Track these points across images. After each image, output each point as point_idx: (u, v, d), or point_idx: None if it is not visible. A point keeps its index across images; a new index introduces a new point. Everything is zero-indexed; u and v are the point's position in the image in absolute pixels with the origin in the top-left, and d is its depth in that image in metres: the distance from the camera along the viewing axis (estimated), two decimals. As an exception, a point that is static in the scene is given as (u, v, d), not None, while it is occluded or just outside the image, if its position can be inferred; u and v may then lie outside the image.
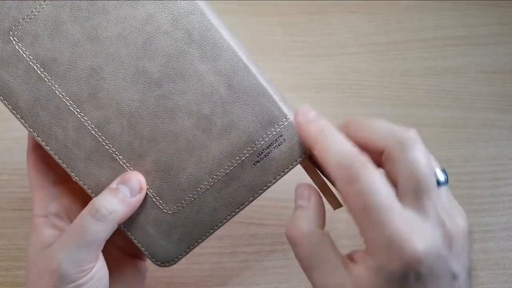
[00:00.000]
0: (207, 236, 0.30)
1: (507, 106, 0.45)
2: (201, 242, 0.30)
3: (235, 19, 0.48)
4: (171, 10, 0.29)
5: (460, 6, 0.49)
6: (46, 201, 0.30)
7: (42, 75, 0.29)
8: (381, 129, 0.26)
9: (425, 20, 0.49)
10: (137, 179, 0.29)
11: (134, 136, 0.29)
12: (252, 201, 0.30)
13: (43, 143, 0.29)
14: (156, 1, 0.29)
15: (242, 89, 0.29)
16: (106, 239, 0.28)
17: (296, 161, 0.30)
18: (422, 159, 0.25)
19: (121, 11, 0.29)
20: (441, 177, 0.26)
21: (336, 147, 0.25)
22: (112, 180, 0.29)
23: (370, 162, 0.24)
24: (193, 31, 0.29)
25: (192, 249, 0.30)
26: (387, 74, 0.46)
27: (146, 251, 0.30)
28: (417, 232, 0.23)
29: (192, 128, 0.29)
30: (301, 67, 0.46)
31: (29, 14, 0.28)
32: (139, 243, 0.30)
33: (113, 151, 0.29)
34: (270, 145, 0.30)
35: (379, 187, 0.23)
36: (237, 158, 0.30)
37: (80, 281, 0.27)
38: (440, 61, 0.47)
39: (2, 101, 0.29)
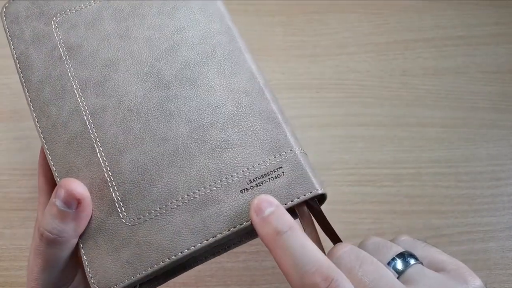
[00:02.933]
0: (160, 267, 0.25)
1: (507, 106, 0.45)
2: (151, 272, 0.25)
3: (235, 19, 0.48)
4: (204, 28, 0.30)
5: (460, 6, 0.49)
6: None
7: (64, 57, 0.30)
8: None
9: (425, 20, 0.49)
10: (72, 190, 0.25)
11: (122, 129, 0.28)
12: (225, 235, 0.25)
13: (35, 119, 0.29)
14: (193, 17, 0.30)
15: (251, 110, 0.28)
16: (73, 255, 0.26)
17: (292, 201, 0.25)
18: None
19: (157, 19, 0.30)
20: (399, 266, 0.24)
21: (297, 258, 0.22)
22: (82, 171, 0.27)
23: (342, 276, 0.21)
24: (218, 48, 0.29)
25: (138, 278, 0.25)
26: (387, 74, 0.46)
27: (88, 265, 0.25)
28: None
29: (185, 136, 0.27)
30: (301, 67, 0.46)
31: (76, 7, 0.31)
32: (84, 255, 0.25)
33: (95, 140, 0.27)
34: (265, 175, 0.26)
35: None
36: (224, 179, 0.26)
37: None
38: (440, 61, 0.47)
39: (18, 72, 0.30)
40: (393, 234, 0.40)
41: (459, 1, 0.50)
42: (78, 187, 0.25)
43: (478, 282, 0.23)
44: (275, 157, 0.26)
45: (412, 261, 0.24)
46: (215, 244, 0.25)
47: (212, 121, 0.27)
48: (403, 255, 0.24)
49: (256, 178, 0.26)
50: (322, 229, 0.27)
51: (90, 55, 0.30)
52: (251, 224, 0.25)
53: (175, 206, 0.26)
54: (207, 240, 0.25)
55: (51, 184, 0.29)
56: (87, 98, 0.29)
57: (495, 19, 0.49)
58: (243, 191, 0.26)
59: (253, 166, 0.26)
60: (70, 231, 0.25)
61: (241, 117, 0.28)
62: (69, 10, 0.31)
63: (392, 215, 0.41)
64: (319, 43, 0.47)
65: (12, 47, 0.31)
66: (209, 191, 0.26)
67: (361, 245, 0.26)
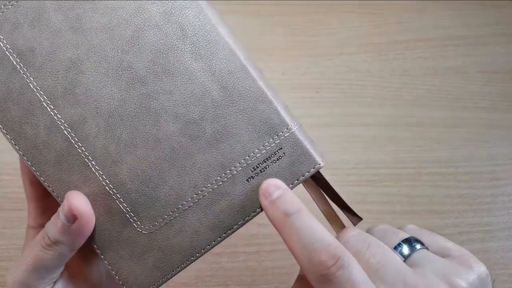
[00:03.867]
0: (187, 264, 0.26)
1: (507, 106, 0.45)
2: (180, 270, 0.26)
3: (235, 19, 0.48)
4: (164, 2, 0.26)
5: (460, 6, 0.49)
6: (37, 213, 0.29)
7: (18, 66, 0.26)
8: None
9: (425, 20, 0.49)
10: (69, 205, 0.24)
11: (110, 139, 0.26)
12: (242, 225, 0.26)
13: (12, 142, 0.26)
14: None
15: (238, 92, 0.26)
16: (59, 266, 0.26)
17: (298, 179, 0.26)
18: None
19: (109, 0, 0.26)
20: (406, 251, 0.24)
21: (305, 238, 0.22)
22: (81, 188, 0.26)
23: (349, 256, 0.22)
24: (187, 26, 0.26)
25: (169, 278, 0.26)
26: (387, 74, 0.46)
27: (116, 275, 0.26)
28: None
29: (178, 134, 0.26)
30: (301, 67, 0.46)
31: (11, 1, 0.26)
32: (109, 265, 0.26)
33: (85, 155, 0.26)
34: (267, 159, 0.26)
35: None
36: (228, 171, 0.26)
37: None
38: (440, 61, 0.47)
39: None
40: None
41: (459, 1, 0.50)
42: (78, 203, 0.25)
43: (483, 268, 0.24)
44: (273, 139, 0.26)
45: (418, 246, 0.24)
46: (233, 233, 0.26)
47: (201, 113, 0.26)
48: (409, 241, 0.24)
49: (259, 164, 0.26)
50: (331, 198, 0.28)
51: (47, 59, 0.26)
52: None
53: (187, 207, 0.26)
54: (225, 233, 0.26)
55: (39, 189, 0.28)
56: (61, 110, 0.26)
57: (495, 19, 0.49)
58: (249, 179, 0.26)
59: (253, 153, 0.26)
60: (64, 243, 0.25)
61: (230, 102, 0.26)
62: (4, 6, 0.26)
63: (393, 215, 0.41)
64: (319, 43, 0.47)
65: None
66: (216, 186, 0.26)
67: (368, 231, 0.26)
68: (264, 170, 0.26)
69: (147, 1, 0.26)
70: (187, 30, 0.26)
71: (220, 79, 0.26)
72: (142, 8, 0.26)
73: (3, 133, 0.26)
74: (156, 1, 0.26)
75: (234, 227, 0.26)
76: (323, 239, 0.22)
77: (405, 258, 0.24)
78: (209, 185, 0.26)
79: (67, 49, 0.26)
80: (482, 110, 0.45)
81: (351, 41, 0.48)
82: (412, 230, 0.27)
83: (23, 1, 0.26)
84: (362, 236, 0.24)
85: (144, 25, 0.26)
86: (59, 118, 0.26)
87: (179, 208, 0.26)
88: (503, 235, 0.40)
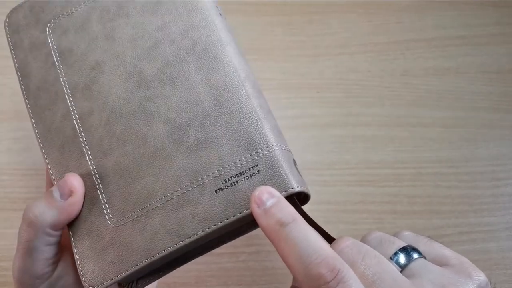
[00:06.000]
0: (141, 266, 0.25)
1: (507, 106, 0.45)
2: (133, 271, 0.25)
3: (235, 19, 0.48)
4: (185, 22, 0.29)
5: (460, 6, 0.49)
6: None
7: (56, 62, 0.31)
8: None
9: (425, 20, 0.49)
10: (69, 181, 0.26)
11: (107, 132, 0.28)
12: (200, 236, 0.25)
13: (33, 125, 0.30)
14: (175, 13, 0.30)
15: (229, 106, 0.27)
16: (49, 244, 0.26)
17: None
18: None
19: (141, 17, 0.30)
20: (402, 260, 0.23)
21: (302, 249, 0.21)
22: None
23: (348, 269, 0.21)
24: (198, 42, 0.29)
25: (122, 276, 0.26)
26: (387, 74, 0.46)
27: (79, 264, 0.26)
28: None
29: (164, 136, 0.27)
30: (301, 67, 0.46)
31: (68, 12, 0.31)
32: (76, 254, 0.27)
33: (84, 144, 0.28)
34: (240, 174, 0.25)
35: None
36: (199, 179, 0.26)
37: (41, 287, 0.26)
38: (440, 61, 0.47)
39: (19, 80, 0.31)
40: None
41: (459, 1, 0.50)
42: (75, 181, 0.26)
43: (482, 277, 0.23)
44: (251, 155, 0.26)
45: (415, 255, 0.23)
46: (192, 245, 0.26)
47: (190, 120, 0.27)
48: (406, 249, 0.24)
49: (231, 177, 0.25)
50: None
51: (79, 59, 0.30)
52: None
53: (153, 207, 0.26)
54: (182, 242, 0.25)
55: None
56: (77, 102, 0.29)
57: (496, 19, 0.49)
58: (218, 191, 0.25)
59: (228, 165, 0.26)
60: (47, 218, 0.25)
61: (218, 114, 0.27)
62: (62, 15, 0.31)
63: (393, 215, 0.41)
64: (319, 43, 0.47)
65: (14, 56, 0.32)
66: (185, 191, 0.26)
67: (363, 240, 0.25)
68: (234, 184, 0.25)
69: (171, 20, 0.30)
70: (197, 46, 0.29)
71: (215, 92, 0.27)
72: (165, 25, 0.30)
73: (30, 116, 0.30)
74: (179, 20, 0.29)
75: (192, 236, 0.25)
76: (321, 250, 0.21)
77: (402, 268, 0.23)
78: (178, 189, 0.26)
79: (96, 53, 0.30)
80: (482, 110, 0.45)
81: (351, 41, 0.48)
82: (408, 237, 0.26)
83: (77, 13, 0.31)
84: (356, 246, 0.23)
85: (163, 38, 0.29)
86: (74, 109, 0.29)
87: (147, 206, 0.26)
88: (504, 235, 0.40)
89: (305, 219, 0.25)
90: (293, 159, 0.27)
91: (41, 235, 0.26)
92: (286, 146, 0.27)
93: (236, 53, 0.29)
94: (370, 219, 0.41)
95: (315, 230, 0.23)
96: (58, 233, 0.26)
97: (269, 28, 0.48)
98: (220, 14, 0.31)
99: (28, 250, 0.26)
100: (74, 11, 0.31)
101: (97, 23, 0.31)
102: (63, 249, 0.28)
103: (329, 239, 0.25)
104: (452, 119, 0.45)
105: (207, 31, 0.29)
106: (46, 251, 0.26)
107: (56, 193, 0.26)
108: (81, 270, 0.26)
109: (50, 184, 0.30)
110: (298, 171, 0.27)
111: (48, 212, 0.25)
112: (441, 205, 0.41)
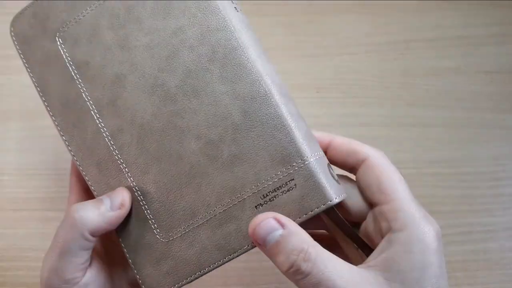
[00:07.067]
0: (195, 278, 0.27)
1: (507, 106, 0.45)
2: (189, 282, 0.27)
3: (235, 19, 0.48)
4: (201, 25, 0.28)
5: (460, 6, 0.49)
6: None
7: (75, 76, 0.29)
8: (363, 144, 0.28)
9: (425, 20, 0.49)
10: (121, 194, 0.27)
11: (140, 150, 0.28)
12: (247, 250, 0.26)
13: (66, 143, 0.29)
14: (189, 14, 0.28)
15: (258, 118, 0.26)
16: (84, 249, 0.27)
17: (306, 214, 0.25)
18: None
19: (154, 22, 0.28)
20: None
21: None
22: None
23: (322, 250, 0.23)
24: (218, 48, 0.27)
25: (180, 286, 0.27)
26: (387, 74, 0.46)
27: (137, 273, 0.28)
28: None
29: (198, 152, 0.27)
30: (301, 67, 0.46)
31: (75, 18, 0.30)
32: (132, 264, 0.28)
33: (121, 162, 0.28)
34: (277, 188, 0.25)
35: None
36: (238, 195, 0.26)
37: None
38: (440, 61, 0.47)
39: (39, 95, 0.30)
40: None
41: (459, 1, 0.50)
42: (127, 196, 0.27)
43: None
44: (286, 169, 0.25)
45: None
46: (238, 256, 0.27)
47: (221, 135, 0.27)
48: None
49: (269, 192, 0.25)
50: (346, 235, 0.27)
51: (98, 73, 0.29)
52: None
53: (199, 224, 0.27)
54: (230, 255, 0.26)
55: (82, 183, 0.31)
56: (104, 120, 0.29)
57: (496, 19, 0.49)
58: (258, 206, 0.26)
59: (265, 180, 0.26)
60: (92, 223, 0.26)
61: (249, 127, 0.26)
62: (69, 22, 0.30)
63: (392, 215, 0.41)
64: (319, 43, 0.47)
65: (29, 71, 0.31)
66: (226, 208, 0.26)
67: None
68: (273, 200, 0.25)
69: (186, 23, 0.28)
70: (218, 53, 0.27)
71: (242, 103, 0.26)
72: (180, 29, 0.28)
73: (60, 133, 0.30)
74: (195, 23, 0.28)
75: (239, 251, 0.26)
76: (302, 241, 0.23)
77: None
78: (219, 205, 0.26)
79: (114, 65, 0.29)
80: (482, 110, 0.45)
81: (351, 41, 0.48)
82: None
83: (84, 18, 0.29)
84: None
85: (180, 45, 0.28)
86: (103, 126, 0.29)
87: (192, 223, 0.27)
88: (504, 235, 0.40)
89: (343, 225, 0.26)
90: (327, 163, 0.27)
91: (79, 238, 0.26)
92: (319, 152, 0.27)
93: (258, 55, 0.27)
94: (370, 219, 0.40)
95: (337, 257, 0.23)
96: (94, 239, 0.27)
97: (269, 28, 0.48)
98: (235, 8, 0.29)
99: (63, 251, 0.26)
100: (81, 17, 0.29)
101: (108, 31, 0.29)
102: (93, 258, 0.29)
103: (365, 247, 0.26)
104: (452, 119, 0.45)
105: (225, 34, 0.27)
106: (80, 255, 0.27)
107: (107, 203, 0.27)
108: (139, 279, 0.28)
109: (79, 193, 0.30)
110: (333, 177, 0.27)
111: (93, 218, 0.26)
112: (441, 205, 0.41)
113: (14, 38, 0.31)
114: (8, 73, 0.44)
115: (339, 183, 0.27)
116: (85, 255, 0.27)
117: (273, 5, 0.49)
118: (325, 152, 0.28)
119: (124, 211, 0.27)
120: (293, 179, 0.25)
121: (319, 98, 0.45)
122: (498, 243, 0.40)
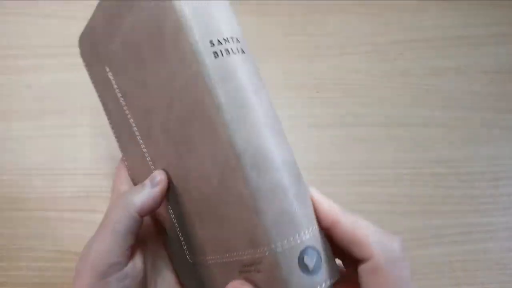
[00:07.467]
0: None
1: (507, 106, 0.45)
2: None
3: (235, 19, 0.48)
4: (184, 75, 0.24)
5: (460, 6, 0.49)
6: None
7: (123, 103, 0.31)
8: (371, 234, 0.25)
9: (425, 20, 0.49)
10: (158, 174, 0.29)
11: (171, 184, 0.29)
12: None
13: (123, 158, 0.33)
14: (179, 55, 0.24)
15: (230, 192, 0.23)
16: (132, 231, 0.28)
17: None
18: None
19: (158, 81, 0.26)
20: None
21: None
22: (160, 209, 0.31)
23: None
24: (197, 106, 0.24)
25: None
26: (387, 74, 0.46)
27: (177, 277, 0.31)
28: None
29: (200, 200, 0.27)
30: (301, 67, 0.46)
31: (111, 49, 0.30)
32: (174, 268, 0.32)
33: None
34: (251, 265, 0.24)
35: None
36: (229, 254, 0.25)
37: (110, 278, 0.27)
38: (440, 61, 0.47)
39: (105, 112, 0.33)
40: (393, 234, 0.40)
41: (459, 1, 0.50)
42: (163, 175, 0.29)
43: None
44: (254, 251, 0.23)
45: None
46: None
47: (209, 194, 0.25)
48: None
49: (246, 265, 0.24)
50: None
51: (135, 103, 0.29)
52: None
53: (210, 263, 0.28)
54: None
55: (122, 186, 0.33)
56: (146, 147, 0.30)
57: (495, 19, 0.49)
58: (241, 272, 0.25)
59: (243, 252, 0.24)
60: (137, 200, 0.28)
61: (223, 198, 0.24)
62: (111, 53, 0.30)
63: (393, 215, 0.41)
64: (319, 43, 0.47)
65: (96, 90, 0.33)
66: (224, 260, 0.26)
67: None
68: (249, 272, 0.24)
69: (177, 70, 0.24)
70: (197, 111, 0.24)
71: (218, 171, 0.23)
72: (173, 77, 0.25)
73: (119, 148, 0.33)
74: (182, 71, 0.24)
75: None
76: None
77: None
78: (219, 256, 0.27)
79: (141, 99, 0.28)
80: (482, 110, 0.45)
81: (351, 41, 0.48)
82: None
83: (115, 49, 0.29)
84: None
85: (173, 95, 0.25)
86: (145, 151, 0.30)
87: (207, 260, 0.28)
88: (503, 235, 0.40)
89: None
90: (305, 247, 0.23)
91: (129, 218, 0.28)
92: (300, 235, 0.22)
93: (237, 113, 0.23)
94: (370, 219, 0.40)
95: None
96: (141, 220, 0.28)
97: (269, 28, 0.48)
98: (214, 54, 0.23)
99: (113, 232, 0.27)
100: (114, 49, 0.29)
101: (133, 66, 0.28)
102: (134, 251, 0.29)
103: None
104: (452, 119, 0.45)
105: (201, 92, 0.23)
106: (127, 238, 0.28)
107: (148, 183, 0.29)
108: (181, 282, 0.31)
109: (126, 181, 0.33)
110: (320, 260, 0.23)
111: (138, 195, 0.28)
112: (441, 205, 0.41)
113: (82, 59, 0.33)
114: (8, 73, 0.44)
115: (328, 269, 0.23)
116: (131, 239, 0.28)
117: (273, 5, 0.49)
118: (328, 228, 0.25)
119: (163, 184, 0.29)
120: (261, 263, 0.23)
121: (319, 98, 0.45)
122: (498, 243, 0.40)
